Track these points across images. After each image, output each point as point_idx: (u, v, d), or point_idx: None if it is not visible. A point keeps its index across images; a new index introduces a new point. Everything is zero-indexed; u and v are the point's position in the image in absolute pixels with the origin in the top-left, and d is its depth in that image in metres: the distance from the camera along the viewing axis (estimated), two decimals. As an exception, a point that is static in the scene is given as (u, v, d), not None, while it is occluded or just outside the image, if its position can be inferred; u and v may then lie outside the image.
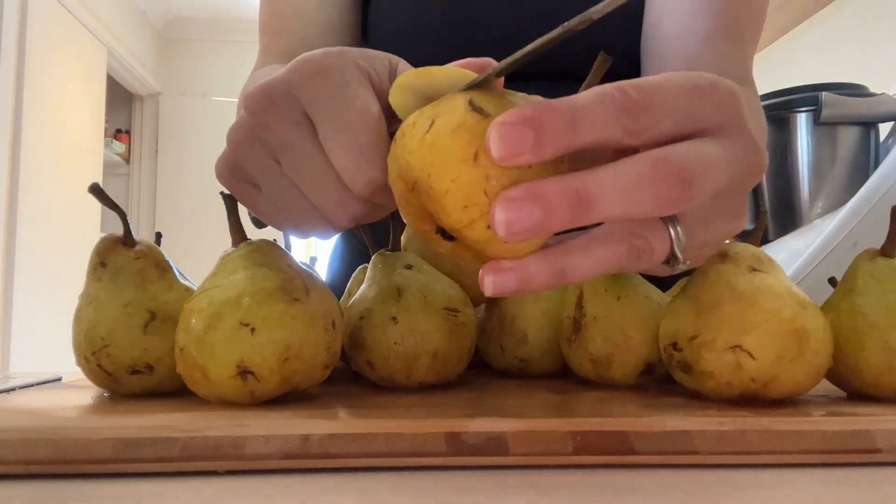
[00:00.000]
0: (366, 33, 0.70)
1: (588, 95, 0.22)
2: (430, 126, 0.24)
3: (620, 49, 0.62)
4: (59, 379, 0.47)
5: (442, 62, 0.29)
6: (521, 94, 0.26)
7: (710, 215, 0.26)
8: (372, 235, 0.49)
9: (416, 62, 0.32)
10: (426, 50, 0.63)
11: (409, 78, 0.28)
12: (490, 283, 0.24)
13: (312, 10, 0.65)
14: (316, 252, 4.64)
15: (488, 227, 0.23)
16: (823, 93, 1.13)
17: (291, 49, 0.64)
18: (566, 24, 0.23)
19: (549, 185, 0.22)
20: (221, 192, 0.37)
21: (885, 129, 1.18)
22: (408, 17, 0.66)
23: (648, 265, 0.25)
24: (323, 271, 0.79)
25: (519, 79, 0.54)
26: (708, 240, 0.27)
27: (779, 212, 1.21)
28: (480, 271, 0.24)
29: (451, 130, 0.23)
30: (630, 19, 0.62)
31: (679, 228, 0.25)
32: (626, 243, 0.24)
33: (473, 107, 0.24)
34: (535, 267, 0.24)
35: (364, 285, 0.42)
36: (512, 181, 0.23)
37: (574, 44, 0.52)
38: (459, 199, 0.23)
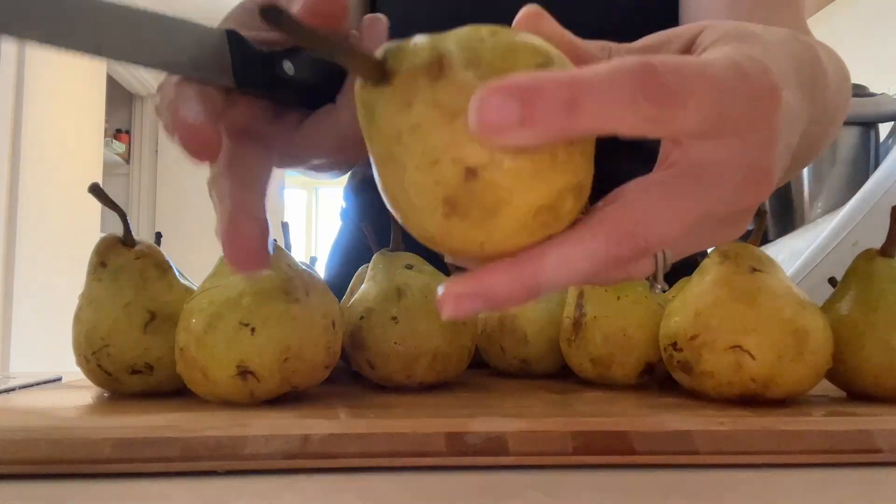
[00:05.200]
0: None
1: (600, 70, 0.17)
2: None
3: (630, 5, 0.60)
4: (59, 379, 0.47)
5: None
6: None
7: (702, 230, 0.23)
8: (374, 235, 0.49)
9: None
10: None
11: None
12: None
13: None
14: (316, 252, 4.63)
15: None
16: (823, 93, 1.13)
17: None
18: None
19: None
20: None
21: (885, 129, 1.18)
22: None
23: (623, 277, 0.23)
24: (321, 270, 0.79)
25: None
26: (698, 248, 0.24)
27: (779, 212, 1.21)
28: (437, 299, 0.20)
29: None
30: None
31: (665, 252, 0.22)
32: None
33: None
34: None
35: (364, 285, 0.42)
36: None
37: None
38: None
